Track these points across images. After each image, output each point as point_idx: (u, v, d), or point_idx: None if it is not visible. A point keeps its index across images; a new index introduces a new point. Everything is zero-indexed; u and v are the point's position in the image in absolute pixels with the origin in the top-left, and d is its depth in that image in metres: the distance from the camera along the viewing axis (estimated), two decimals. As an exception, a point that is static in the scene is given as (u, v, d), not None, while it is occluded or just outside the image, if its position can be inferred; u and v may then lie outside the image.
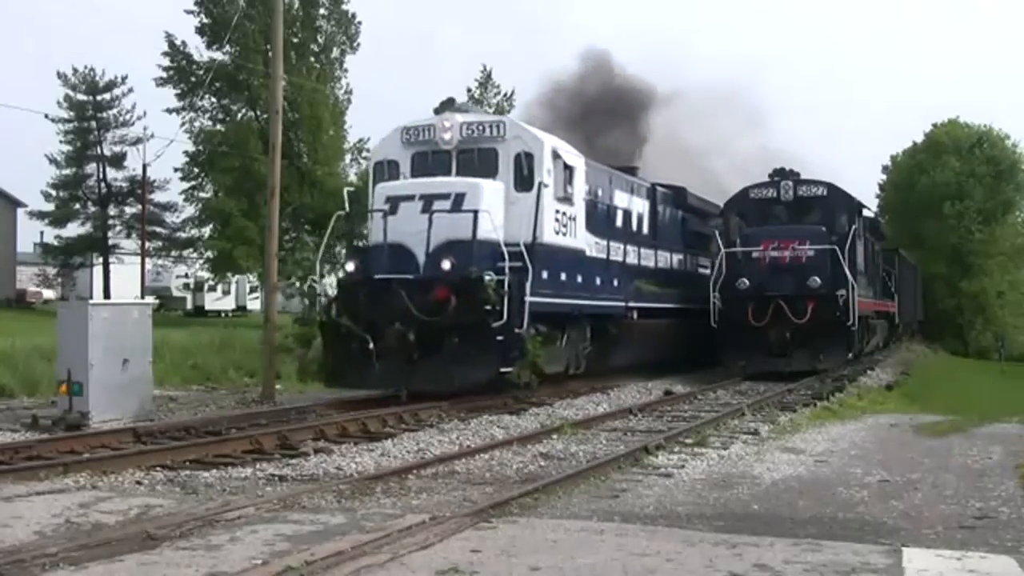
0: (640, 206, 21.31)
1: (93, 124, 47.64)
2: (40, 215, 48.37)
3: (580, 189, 17.20)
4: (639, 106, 32.90)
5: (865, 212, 25.39)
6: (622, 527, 7.00)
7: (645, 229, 21.51)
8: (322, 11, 42.60)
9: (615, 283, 18.88)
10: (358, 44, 43.53)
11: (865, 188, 62.67)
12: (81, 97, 47.36)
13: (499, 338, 14.06)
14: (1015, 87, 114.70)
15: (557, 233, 16.21)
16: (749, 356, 21.22)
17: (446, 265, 14.16)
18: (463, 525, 6.65)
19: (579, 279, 17.09)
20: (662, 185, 23.07)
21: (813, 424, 14.05)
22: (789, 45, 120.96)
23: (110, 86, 47.70)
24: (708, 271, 23.29)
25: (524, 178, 15.59)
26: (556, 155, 16.15)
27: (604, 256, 18.52)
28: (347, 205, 16.96)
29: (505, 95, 41.38)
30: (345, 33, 43.19)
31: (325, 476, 8.99)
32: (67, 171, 47.94)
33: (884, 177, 60.64)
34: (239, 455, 9.91)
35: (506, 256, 14.41)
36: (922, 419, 15.14)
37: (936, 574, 5.68)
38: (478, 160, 15.81)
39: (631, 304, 19.42)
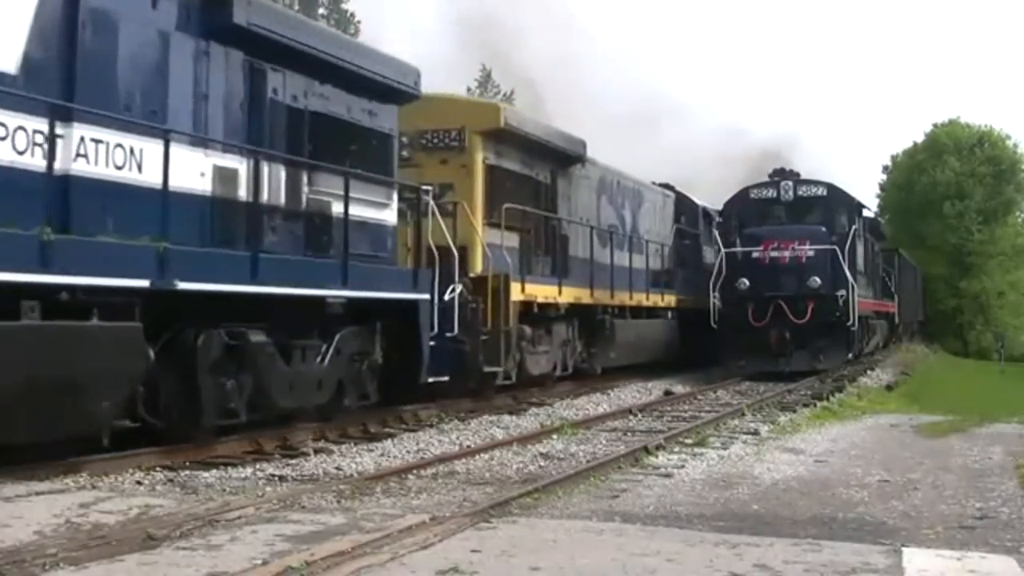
0: None
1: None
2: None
3: None
4: None
5: (865, 212, 25.45)
6: (622, 527, 7.00)
7: None
8: (322, 11, 42.73)
9: None
10: (358, 44, 43.71)
11: (865, 188, 62.82)
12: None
13: None
14: (1015, 87, 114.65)
15: None
16: (749, 356, 21.26)
17: None
18: (463, 525, 6.65)
19: None
20: None
21: (813, 424, 14.06)
22: (788, 46, 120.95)
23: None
24: (386, 217, 11.96)
25: None
26: None
27: None
28: None
29: (505, 95, 41.44)
30: (345, 32, 43.31)
31: (325, 476, 8.99)
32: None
33: (884, 177, 60.76)
34: (239, 455, 9.91)
35: None
36: (922, 419, 15.15)
37: (936, 574, 5.68)
38: None
39: None
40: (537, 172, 17.00)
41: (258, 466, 9.38)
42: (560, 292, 16.75)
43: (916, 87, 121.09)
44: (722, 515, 7.59)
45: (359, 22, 43.27)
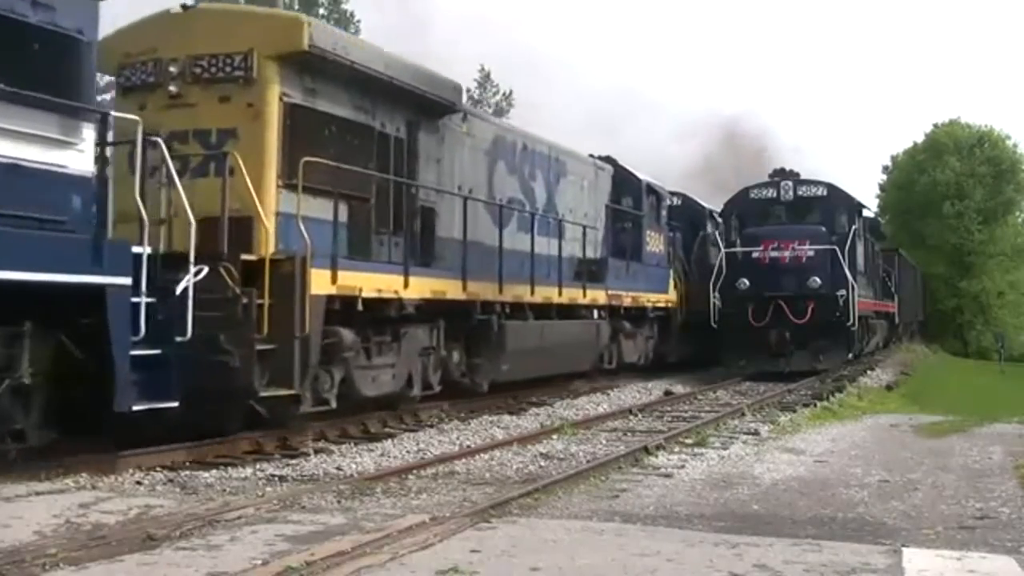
0: None
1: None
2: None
3: None
4: None
5: (865, 212, 25.48)
6: (622, 527, 7.00)
7: None
8: (321, 11, 42.70)
9: None
10: (358, 44, 43.74)
11: (865, 188, 62.86)
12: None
13: None
14: (1015, 87, 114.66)
15: None
16: (749, 356, 21.28)
17: None
18: (463, 525, 6.65)
19: None
20: None
21: (813, 424, 14.07)
22: (788, 46, 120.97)
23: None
24: (66, 160, 7.77)
25: None
26: None
27: None
28: None
29: (504, 95, 41.46)
30: (346, 32, 43.32)
31: (325, 476, 9.00)
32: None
33: (884, 177, 60.80)
34: (239, 455, 9.91)
35: None
36: (922, 419, 15.16)
37: (936, 574, 5.68)
38: None
39: None
40: (382, 121, 12.22)
41: (258, 466, 9.38)
42: (407, 284, 11.90)
43: (916, 87, 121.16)
44: (722, 515, 7.59)
45: (359, 21, 43.26)
